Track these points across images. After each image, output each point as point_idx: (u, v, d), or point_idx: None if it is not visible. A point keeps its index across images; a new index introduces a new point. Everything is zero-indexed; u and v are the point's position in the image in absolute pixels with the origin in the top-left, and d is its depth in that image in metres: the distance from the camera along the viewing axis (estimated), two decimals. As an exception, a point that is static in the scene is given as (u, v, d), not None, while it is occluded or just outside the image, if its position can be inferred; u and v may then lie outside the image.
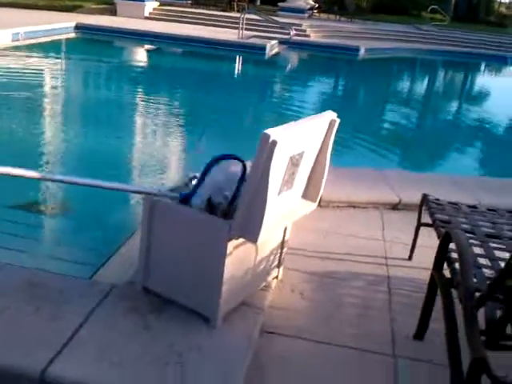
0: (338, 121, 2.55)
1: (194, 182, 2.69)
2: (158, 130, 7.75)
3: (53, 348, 2.19)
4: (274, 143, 2.08)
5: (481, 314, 2.04)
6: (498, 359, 1.88)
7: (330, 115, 2.54)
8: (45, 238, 3.95)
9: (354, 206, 4.26)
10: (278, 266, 2.93)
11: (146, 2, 19.95)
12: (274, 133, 2.10)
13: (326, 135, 2.56)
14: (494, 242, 2.65)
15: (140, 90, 10.61)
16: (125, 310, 2.50)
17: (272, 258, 2.82)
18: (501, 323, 2.01)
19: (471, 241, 2.63)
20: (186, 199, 2.41)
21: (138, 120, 8.36)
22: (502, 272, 1.96)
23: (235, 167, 2.38)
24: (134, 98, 9.84)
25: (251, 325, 2.53)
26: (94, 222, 4.10)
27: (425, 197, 3.29)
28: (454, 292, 2.33)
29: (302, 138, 2.38)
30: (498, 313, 2.06)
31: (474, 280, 2.23)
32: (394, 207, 4.30)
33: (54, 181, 4.14)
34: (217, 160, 2.40)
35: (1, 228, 3.67)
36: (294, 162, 2.35)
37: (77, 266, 3.36)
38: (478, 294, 2.09)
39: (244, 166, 2.36)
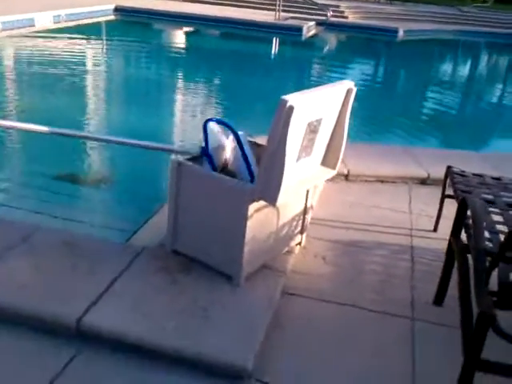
0: (355, 89, 2.62)
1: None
2: (197, 108, 7.92)
3: (88, 299, 2.37)
4: (291, 108, 2.18)
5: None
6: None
7: (348, 83, 2.62)
8: (81, 206, 4.14)
9: (382, 181, 4.31)
10: (301, 233, 3.04)
11: (185, -16, 20.04)
12: (291, 98, 2.19)
13: (343, 103, 2.63)
14: (515, 211, 2.69)
15: (179, 70, 10.78)
16: (155, 268, 2.65)
17: (295, 224, 2.93)
18: (513, 284, 2.07)
19: (491, 209, 2.67)
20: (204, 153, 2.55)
21: (177, 99, 8.54)
22: (511, 232, 2.02)
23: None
24: (172, 78, 10.01)
25: (273, 285, 2.65)
26: (130, 192, 4.29)
27: (449, 168, 3.33)
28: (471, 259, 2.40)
29: (319, 105, 2.47)
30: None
31: (490, 244, 2.30)
32: (423, 182, 4.34)
33: (89, 139, 4.31)
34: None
35: (43, 196, 3.89)
36: (312, 129, 2.45)
37: (113, 231, 3.54)
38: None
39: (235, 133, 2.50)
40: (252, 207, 2.45)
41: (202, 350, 2.15)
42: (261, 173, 2.36)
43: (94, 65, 10.45)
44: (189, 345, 2.17)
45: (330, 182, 4.00)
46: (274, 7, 16.27)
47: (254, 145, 2.83)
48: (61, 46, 11.52)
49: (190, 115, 7.52)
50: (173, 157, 2.66)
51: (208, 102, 8.34)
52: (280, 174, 2.29)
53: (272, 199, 2.37)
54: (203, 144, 2.62)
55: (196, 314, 2.35)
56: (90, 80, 9.09)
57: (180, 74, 10.39)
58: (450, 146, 6.38)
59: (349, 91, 2.62)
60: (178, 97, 8.65)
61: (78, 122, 6.24)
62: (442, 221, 3.50)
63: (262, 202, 2.48)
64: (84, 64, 10.32)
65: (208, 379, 2.12)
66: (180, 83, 9.67)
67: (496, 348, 1.97)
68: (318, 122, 2.47)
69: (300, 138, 2.39)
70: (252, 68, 11.44)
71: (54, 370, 2.10)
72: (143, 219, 3.37)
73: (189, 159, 2.68)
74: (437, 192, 3.77)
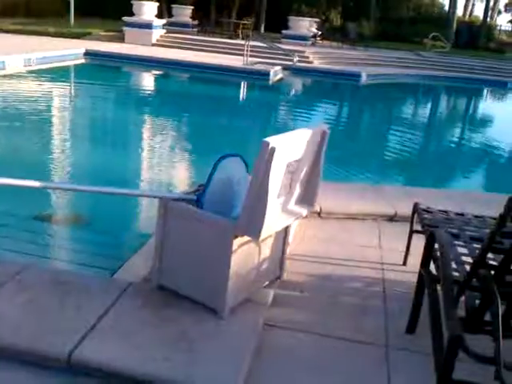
0: (328, 132, 2.84)
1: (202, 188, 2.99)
2: (165, 148, 8.10)
3: (78, 334, 2.45)
4: (273, 150, 2.37)
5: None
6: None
7: (322, 127, 2.84)
8: (66, 245, 4.22)
9: (353, 218, 4.52)
10: (281, 267, 3.19)
11: (154, 30, 20.49)
12: (272, 140, 2.39)
13: (319, 145, 2.84)
14: (477, 244, 2.90)
15: (146, 113, 10.97)
16: (141, 303, 2.76)
17: (274, 258, 3.08)
18: (479, 309, 2.26)
19: (456, 242, 2.89)
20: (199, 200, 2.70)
21: (144, 141, 8.71)
22: (476, 262, 2.21)
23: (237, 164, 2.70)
24: (139, 121, 10.20)
25: (255, 318, 2.78)
26: (114, 229, 4.40)
27: (416, 205, 3.56)
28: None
29: (297, 147, 2.67)
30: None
31: (457, 274, 2.49)
32: (391, 219, 4.56)
33: (80, 191, 4.42)
34: (221, 158, 2.71)
35: (29, 237, 3.98)
36: (291, 169, 2.64)
37: (98, 268, 3.64)
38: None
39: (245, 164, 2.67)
40: (236, 243, 2.60)
41: (193, 379, 2.25)
42: (244, 210, 2.52)
43: (63, 107, 10.59)
44: (179, 375, 2.27)
45: (304, 220, 4.18)
46: (242, 52, 16.75)
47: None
48: (31, 88, 11.63)
49: (156, 157, 7.69)
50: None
51: (176, 144, 8.53)
52: (263, 210, 2.46)
53: (255, 235, 2.53)
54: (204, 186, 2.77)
55: (184, 346, 2.46)
56: (57, 122, 9.25)
57: (148, 117, 10.59)
58: (413, 183, 6.69)
59: (323, 134, 2.83)
60: (145, 139, 8.83)
61: (42, 164, 6.32)
62: (410, 255, 3.71)
63: (244, 238, 2.63)
64: (52, 106, 10.45)
65: (198, 407, 2.22)
66: (147, 125, 9.86)
67: (464, 368, 2.14)
68: (296, 162, 2.67)
69: (280, 177, 2.57)
70: (220, 111, 11.73)
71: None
72: (127, 255, 3.48)
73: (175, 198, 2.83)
74: (404, 228, 3.98)
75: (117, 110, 11.25)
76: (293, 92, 17.08)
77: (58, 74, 13.64)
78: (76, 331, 2.47)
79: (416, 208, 3.56)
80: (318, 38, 24.69)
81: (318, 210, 4.41)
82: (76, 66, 15.62)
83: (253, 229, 2.53)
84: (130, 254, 3.55)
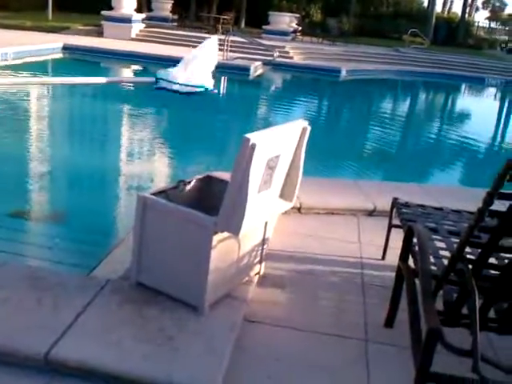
0: (309, 128, 2.84)
1: (182, 184, 2.97)
2: (144, 144, 8.06)
3: (55, 332, 2.41)
4: (254, 146, 2.36)
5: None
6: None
7: (302, 123, 2.84)
8: (42, 242, 4.16)
9: (333, 213, 4.53)
10: (260, 262, 3.18)
11: (133, 24, 20.30)
12: (253, 137, 2.38)
13: (299, 141, 2.84)
14: (455, 238, 2.93)
15: (125, 109, 10.86)
16: (120, 300, 2.73)
17: (254, 254, 3.08)
18: (456, 303, 2.28)
19: (435, 236, 2.91)
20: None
21: (125, 137, 8.64)
22: (454, 256, 2.23)
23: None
24: (118, 115, 10.10)
25: (235, 313, 2.77)
26: (92, 225, 4.35)
27: (395, 200, 3.58)
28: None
29: (277, 143, 2.67)
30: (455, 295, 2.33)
31: (435, 268, 2.52)
32: (370, 213, 4.59)
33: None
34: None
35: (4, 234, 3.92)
36: (271, 165, 2.63)
37: (74, 266, 3.59)
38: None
39: None
40: (215, 238, 2.59)
41: (172, 377, 2.24)
42: (224, 207, 2.51)
43: (38, 102, 10.46)
44: (158, 372, 2.26)
45: (284, 215, 4.18)
46: (221, 47, 16.66)
47: (217, 180, 3.00)
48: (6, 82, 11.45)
49: (137, 154, 7.65)
50: (139, 192, 2.77)
51: (155, 139, 8.48)
52: (243, 206, 2.45)
53: (235, 231, 2.52)
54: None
55: (163, 342, 2.44)
56: (34, 116, 9.13)
57: (126, 113, 10.48)
58: (391, 178, 6.74)
59: (303, 129, 2.83)
60: (124, 136, 8.76)
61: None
62: (389, 249, 3.73)
63: (224, 234, 2.62)
64: (28, 100, 10.31)
65: (177, 404, 2.21)
66: (126, 122, 9.77)
67: (442, 361, 2.16)
68: (277, 158, 2.66)
69: (261, 172, 2.56)
70: (199, 106, 11.66)
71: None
72: (104, 252, 3.44)
73: (154, 193, 2.80)
74: (383, 222, 4.00)
75: (92, 103, 11.11)
76: (273, 87, 17.08)
77: (35, 69, 13.44)
78: (53, 330, 2.43)
79: (395, 203, 3.58)
80: (298, 34, 24.71)
81: (298, 206, 4.42)
82: (54, 60, 15.40)
83: (232, 225, 2.52)
84: (108, 251, 3.52)
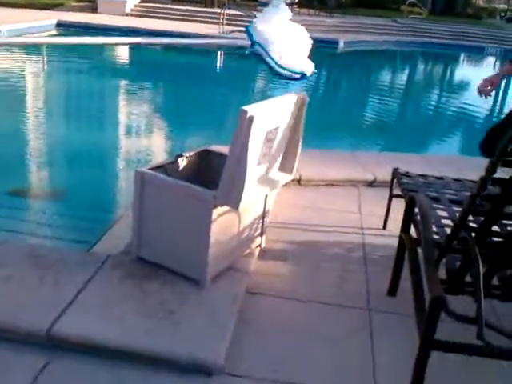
0: (307, 99, 2.79)
1: (180, 159, 2.94)
2: (143, 119, 8.00)
3: (57, 309, 2.41)
4: (252, 118, 2.32)
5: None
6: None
7: (301, 94, 2.79)
8: (42, 219, 4.14)
9: (333, 184, 4.51)
10: (261, 235, 3.17)
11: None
12: (251, 109, 2.34)
13: (298, 113, 2.79)
14: (456, 206, 2.91)
15: (122, 84, 10.77)
16: (121, 275, 2.72)
17: (255, 227, 3.06)
18: (460, 271, 2.26)
19: (436, 205, 2.89)
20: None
21: (122, 112, 8.57)
22: (457, 224, 2.21)
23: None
24: (116, 91, 10.02)
25: (237, 286, 2.77)
26: (92, 202, 4.33)
27: (395, 170, 3.55)
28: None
29: (276, 114, 2.62)
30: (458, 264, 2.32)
31: (437, 237, 2.50)
32: (370, 184, 4.56)
33: None
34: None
35: (4, 213, 3.89)
36: (270, 137, 2.60)
37: (75, 242, 3.58)
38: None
39: None
40: (215, 212, 2.56)
41: (175, 350, 2.24)
42: (223, 180, 2.48)
43: (36, 79, 10.36)
44: (161, 345, 2.25)
45: (284, 187, 4.14)
46: (217, 21, 16.47)
47: (215, 154, 2.96)
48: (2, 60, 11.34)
49: (135, 128, 7.59)
50: (137, 167, 2.74)
51: (153, 114, 8.42)
52: (242, 180, 2.42)
53: (235, 204, 2.50)
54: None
55: (165, 316, 2.43)
56: (31, 91, 9.07)
57: (124, 88, 10.39)
58: (391, 149, 6.69)
59: (302, 101, 2.78)
60: (122, 111, 8.70)
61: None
62: (389, 219, 3.72)
63: (224, 207, 2.60)
64: (25, 79, 10.21)
65: (182, 377, 2.20)
66: (124, 97, 9.70)
67: (446, 329, 2.15)
68: (276, 130, 2.62)
69: (259, 145, 2.52)
70: (198, 80, 11.55)
71: (30, 376, 2.14)
72: (105, 228, 3.42)
73: (152, 168, 2.77)
74: (384, 193, 3.98)
75: (91, 81, 11.01)
76: (270, 60, 16.88)
77: (29, 46, 13.26)
78: (55, 306, 2.42)
79: (395, 173, 3.55)
80: (295, 6, 24.35)
81: (298, 178, 4.39)
82: (49, 37, 15.20)
83: (232, 198, 2.50)
84: (108, 227, 3.50)
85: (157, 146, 6.89)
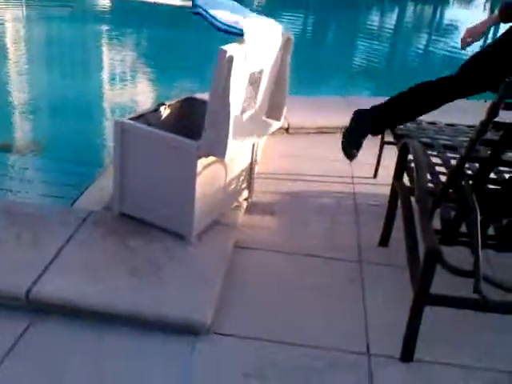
0: (292, 39, 2.62)
1: (162, 107, 2.78)
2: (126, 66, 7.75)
3: (36, 269, 2.30)
4: (231, 58, 2.15)
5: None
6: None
7: (286, 33, 2.62)
8: (20, 175, 3.98)
9: (322, 132, 4.37)
10: (249, 187, 3.06)
11: None
12: (230, 48, 2.17)
13: (283, 54, 2.63)
14: (451, 152, 2.80)
15: (105, 31, 10.38)
16: (103, 232, 2.61)
17: (242, 178, 2.94)
18: (455, 221, 2.17)
19: (430, 151, 2.78)
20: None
21: (105, 61, 8.29)
22: (453, 171, 2.11)
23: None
24: (98, 40, 9.67)
25: (224, 240, 2.67)
26: (68, 157, 4.16)
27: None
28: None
29: (259, 55, 2.44)
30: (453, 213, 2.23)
31: (431, 185, 2.40)
32: (361, 131, 4.42)
33: None
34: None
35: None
36: (254, 80, 2.43)
37: (56, 198, 3.45)
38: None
39: None
40: (200, 164, 2.43)
41: (160, 309, 2.15)
42: (207, 128, 2.33)
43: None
44: (145, 305, 2.16)
45: (272, 136, 4.01)
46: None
47: (200, 102, 2.80)
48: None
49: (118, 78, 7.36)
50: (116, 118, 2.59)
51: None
52: (226, 127, 2.27)
53: (221, 154, 2.36)
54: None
55: (150, 273, 2.34)
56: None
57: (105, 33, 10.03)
58: (381, 93, 6.49)
59: (288, 41, 2.61)
60: (105, 61, 8.41)
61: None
62: (381, 167, 3.61)
63: (209, 158, 2.47)
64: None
65: (168, 336, 2.12)
66: (106, 46, 9.36)
67: (442, 281, 2.08)
68: (260, 72, 2.46)
69: (243, 89, 2.37)
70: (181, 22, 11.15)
71: (10, 341, 2.05)
72: (85, 183, 3.29)
73: (133, 118, 2.61)
74: (374, 140, 3.86)
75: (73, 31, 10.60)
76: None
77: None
78: (34, 267, 2.31)
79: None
80: None
81: (286, 126, 4.25)
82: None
83: (218, 148, 2.36)
84: (92, 180, 3.36)
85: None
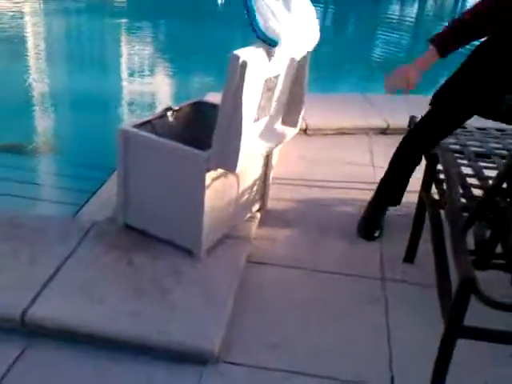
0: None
1: (169, 113, 2.59)
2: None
3: (33, 289, 2.14)
4: (245, 64, 1.95)
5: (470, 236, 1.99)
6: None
7: None
8: (22, 179, 3.80)
9: (343, 133, 4.15)
10: (263, 197, 2.86)
11: None
12: (243, 53, 1.97)
13: (301, 58, 2.41)
14: (483, 161, 2.57)
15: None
16: (106, 246, 2.44)
17: (256, 188, 2.74)
18: (490, 242, 1.96)
19: (460, 161, 2.55)
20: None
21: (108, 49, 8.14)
22: (490, 190, 1.89)
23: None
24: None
25: (236, 255, 2.48)
26: (75, 162, 3.99)
27: (412, 118, 3.17)
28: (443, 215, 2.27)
29: (278, 60, 2.23)
30: (488, 233, 2.01)
31: (463, 200, 2.17)
32: (383, 132, 4.20)
33: None
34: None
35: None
36: (270, 86, 2.23)
37: (59, 205, 3.28)
38: (467, 215, 2.03)
39: None
40: (209, 176, 2.24)
41: (165, 336, 1.97)
42: (216, 139, 2.14)
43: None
44: (149, 331, 1.98)
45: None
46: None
47: (210, 106, 2.61)
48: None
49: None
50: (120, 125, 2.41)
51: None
52: (238, 137, 2.07)
53: (232, 167, 2.17)
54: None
55: (156, 296, 2.16)
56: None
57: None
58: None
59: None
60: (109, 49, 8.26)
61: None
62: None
63: (219, 170, 2.27)
64: None
65: (174, 365, 1.95)
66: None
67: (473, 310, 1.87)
68: (276, 78, 2.25)
69: (257, 96, 2.17)
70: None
71: (5, 364, 1.90)
72: (91, 191, 3.12)
73: (137, 126, 2.43)
74: (398, 142, 3.65)
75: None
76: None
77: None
78: (30, 286, 2.15)
79: (412, 122, 3.18)
80: None
81: (304, 127, 4.03)
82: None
83: (228, 161, 2.16)
84: (98, 187, 3.19)
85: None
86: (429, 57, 2.28)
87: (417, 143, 2.70)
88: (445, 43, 2.26)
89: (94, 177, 3.57)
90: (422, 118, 2.71)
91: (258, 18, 1.99)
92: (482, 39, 2.42)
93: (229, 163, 2.16)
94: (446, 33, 2.29)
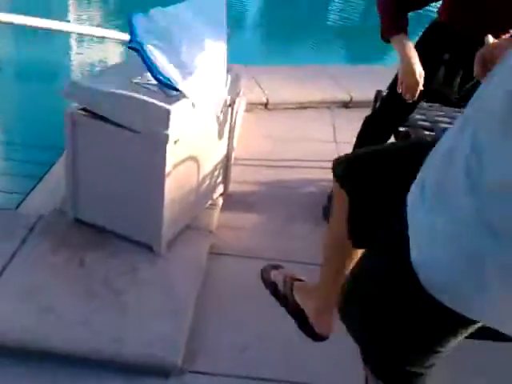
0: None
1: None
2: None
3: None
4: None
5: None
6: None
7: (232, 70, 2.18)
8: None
9: (305, 107, 3.98)
10: (225, 181, 2.68)
11: None
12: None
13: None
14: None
15: None
16: (54, 244, 2.21)
17: (216, 173, 2.56)
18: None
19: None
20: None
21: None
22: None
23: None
24: None
25: (198, 249, 2.31)
26: (21, 143, 3.68)
27: (379, 93, 3.02)
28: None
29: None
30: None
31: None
32: (346, 105, 4.05)
33: None
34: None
35: None
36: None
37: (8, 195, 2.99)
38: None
39: None
40: (170, 162, 2.03)
41: (121, 348, 1.79)
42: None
43: None
44: (105, 342, 1.80)
45: (250, 113, 3.63)
46: None
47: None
48: None
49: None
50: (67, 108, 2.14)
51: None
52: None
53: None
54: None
55: (111, 300, 1.96)
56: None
57: None
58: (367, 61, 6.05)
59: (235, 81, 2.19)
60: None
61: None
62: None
63: (179, 156, 2.07)
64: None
65: (132, 379, 1.78)
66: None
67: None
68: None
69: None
70: None
71: None
72: (38, 176, 2.85)
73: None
74: (361, 115, 3.50)
75: None
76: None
77: None
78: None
79: (378, 97, 3.03)
80: None
81: (265, 101, 3.84)
82: None
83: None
84: (43, 173, 2.92)
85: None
86: (405, 44, 2.08)
87: (384, 120, 2.55)
88: (396, 24, 2.09)
89: (43, 160, 3.27)
90: (387, 94, 2.56)
91: (151, 57, 1.87)
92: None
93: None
94: (386, 18, 2.12)
